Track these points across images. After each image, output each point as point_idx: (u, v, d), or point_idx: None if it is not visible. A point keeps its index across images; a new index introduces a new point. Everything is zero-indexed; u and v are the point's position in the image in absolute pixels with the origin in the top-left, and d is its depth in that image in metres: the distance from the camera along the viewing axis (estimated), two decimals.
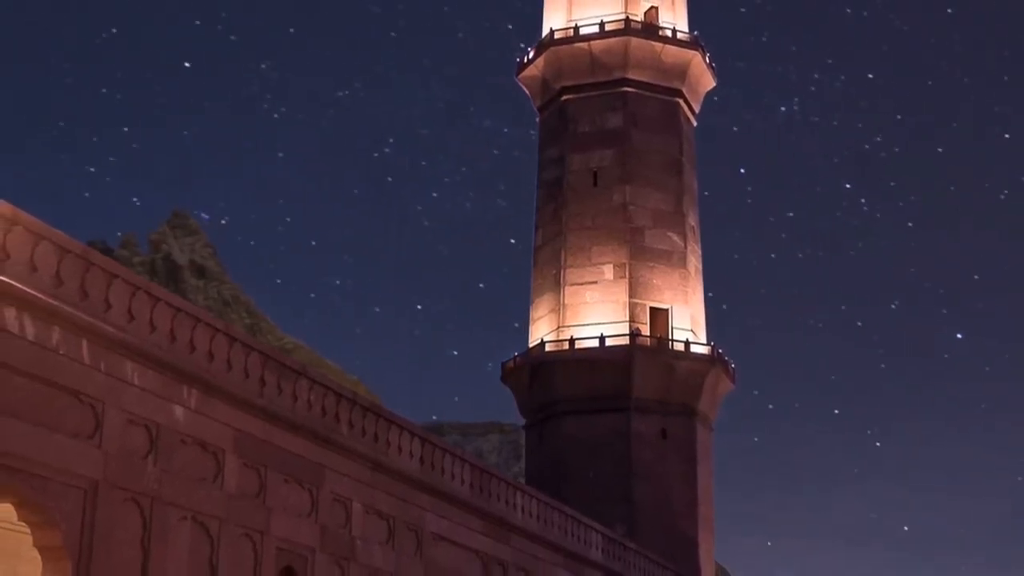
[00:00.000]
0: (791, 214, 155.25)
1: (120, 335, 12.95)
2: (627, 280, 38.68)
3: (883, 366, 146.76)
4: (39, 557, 12.54)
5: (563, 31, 41.02)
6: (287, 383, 16.01)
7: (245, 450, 15.13)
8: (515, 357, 39.79)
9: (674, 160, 40.51)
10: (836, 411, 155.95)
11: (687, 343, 38.12)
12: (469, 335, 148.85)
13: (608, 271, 38.95)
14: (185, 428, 14.10)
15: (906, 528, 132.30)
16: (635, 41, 40.08)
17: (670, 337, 38.13)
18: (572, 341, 38.11)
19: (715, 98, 44.91)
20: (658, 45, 40.33)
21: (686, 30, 42.02)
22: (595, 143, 40.26)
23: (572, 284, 39.21)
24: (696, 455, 38.05)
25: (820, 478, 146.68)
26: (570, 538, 24.75)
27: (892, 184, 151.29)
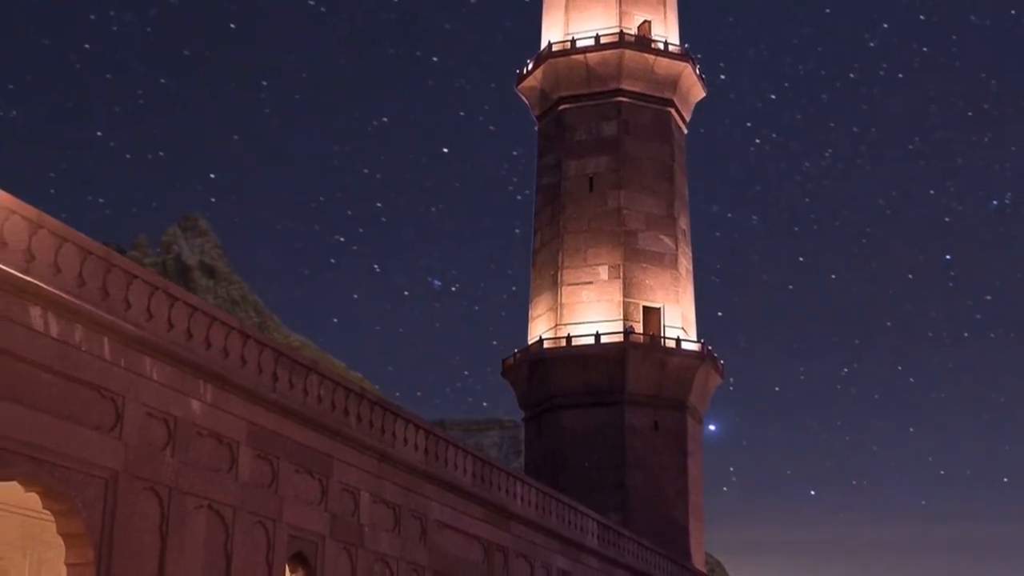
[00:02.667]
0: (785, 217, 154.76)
1: (139, 332, 12.94)
2: (621, 280, 38.70)
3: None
4: (63, 543, 12.54)
5: (560, 44, 41.05)
6: (298, 378, 16.01)
7: (258, 442, 15.12)
8: (515, 354, 39.83)
9: (666, 166, 40.53)
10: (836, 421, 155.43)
11: (678, 340, 38.14)
12: (470, 335, 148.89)
13: (603, 272, 38.97)
14: (201, 421, 14.09)
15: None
16: (629, 53, 40.12)
17: (662, 335, 38.16)
18: (569, 338, 38.14)
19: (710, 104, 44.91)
20: (651, 57, 40.37)
21: (677, 43, 42.04)
22: (591, 150, 40.29)
23: (569, 284, 39.23)
24: (687, 446, 38.08)
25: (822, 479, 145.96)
26: (567, 525, 24.75)
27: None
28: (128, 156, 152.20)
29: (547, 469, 37.20)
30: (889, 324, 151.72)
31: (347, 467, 17.06)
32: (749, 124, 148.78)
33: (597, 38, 40.44)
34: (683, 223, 40.76)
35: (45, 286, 11.66)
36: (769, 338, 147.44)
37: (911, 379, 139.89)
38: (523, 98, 42.78)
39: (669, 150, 40.71)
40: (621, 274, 38.73)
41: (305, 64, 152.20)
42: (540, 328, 39.55)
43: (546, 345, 38.43)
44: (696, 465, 38.84)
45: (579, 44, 40.58)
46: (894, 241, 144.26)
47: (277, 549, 15.31)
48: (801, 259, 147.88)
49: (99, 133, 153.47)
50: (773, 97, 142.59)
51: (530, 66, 41.84)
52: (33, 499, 12.40)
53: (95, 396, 12.51)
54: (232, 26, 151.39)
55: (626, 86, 40.27)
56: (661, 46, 40.83)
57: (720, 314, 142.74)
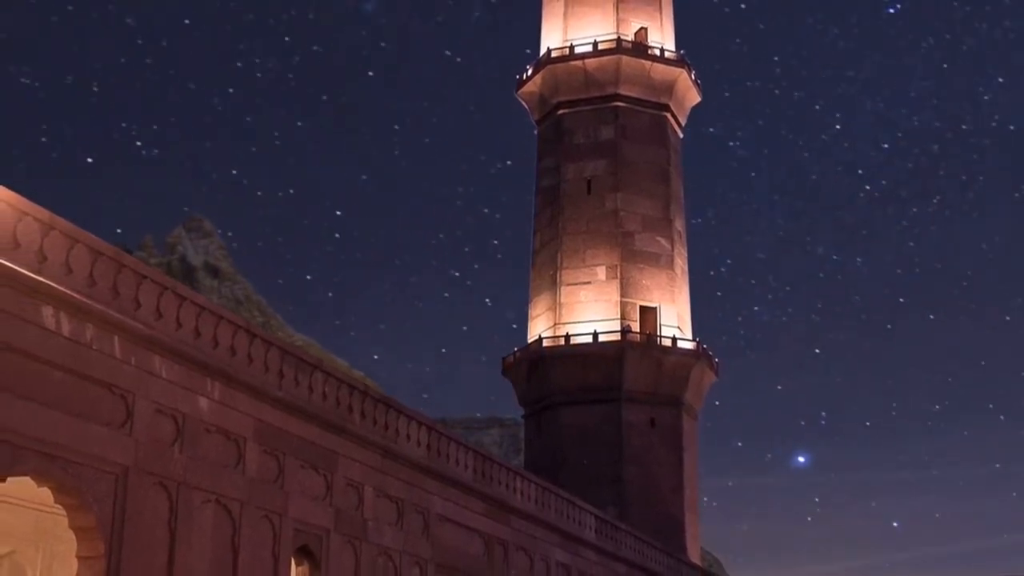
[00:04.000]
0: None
1: (149, 331, 12.95)
2: (618, 281, 38.71)
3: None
4: (74, 537, 12.55)
5: (559, 50, 41.07)
6: (303, 376, 16.01)
7: (264, 438, 15.13)
8: (515, 352, 39.87)
9: (662, 169, 40.55)
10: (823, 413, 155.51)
11: (674, 339, 38.16)
12: (471, 334, 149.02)
13: (601, 272, 38.99)
14: (209, 418, 14.10)
15: (895, 524, 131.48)
16: (626, 59, 40.14)
17: (658, 334, 38.18)
18: (567, 337, 38.15)
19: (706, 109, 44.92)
20: (647, 63, 40.39)
21: (673, 49, 42.07)
22: (589, 153, 40.31)
23: (567, 284, 39.24)
24: (682, 443, 38.10)
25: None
26: (565, 519, 24.76)
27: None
28: (259, 193, 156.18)
29: (546, 465, 37.20)
30: (983, 364, 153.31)
31: (351, 463, 17.07)
32: (860, 171, 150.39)
33: (595, 44, 40.46)
34: (679, 225, 40.79)
35: (57, 286, 11.67)
36: (866, 374, 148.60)
37: (1001, 417, 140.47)
38: (523, 103, 42.81)
39: (665, 153, 40.73)
40: (618, 274, 38.75)
41: (435, 110, 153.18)
42: (539, 327, 39.56)
43: (545, 344, 38.45)
44: (691, 461, 38.87)
45: (577, 50, 40.60)
46: (993, 285, 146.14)
47: (283, 542, 15.31)
48: (901, 300, 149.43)
49: (234, 171, 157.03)
50: (885, 146, 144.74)
51: (529, 72, 41.87)
52: (45, 494, 12.40)
53: (106, 393, 12.52)
54: (370, 74, 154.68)
55: (623, 91, 40.29)
56: (657, 52, 40.87)
57: (817, 351, 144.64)
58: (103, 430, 12.40)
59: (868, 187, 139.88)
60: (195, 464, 13.74)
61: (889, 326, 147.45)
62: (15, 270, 11.15)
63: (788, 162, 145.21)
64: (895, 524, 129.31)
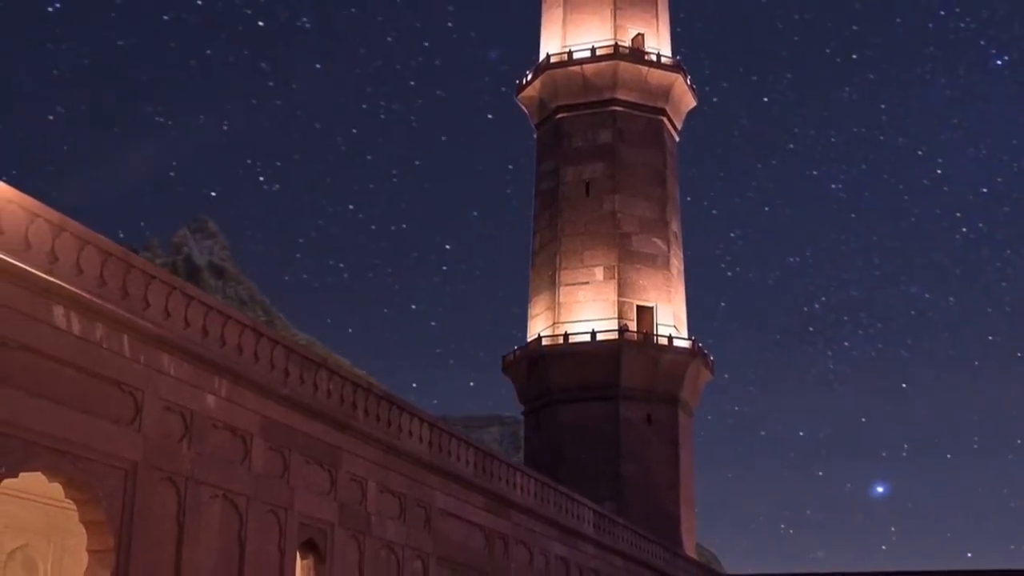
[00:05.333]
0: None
1: (157, 330, 12.94)
2: (616, 281, 38.70)
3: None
4: (84, 531, 12.54)
5: (558, 56, 41.07)
6: (308, 374, 16.01)
7: (270, 434, 15.12)
8: (515, 351, 39.88)
9: (658, 172, 40.54)
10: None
11: (670, 338, 38.16)
12: (471, 334, 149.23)
13: (599, 272, 38.98)
14: (216, 414, 14.09)
15: (968, 555, 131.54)
16: (623, 65, 40.14)
17: (655, 332, 38.18)
18: (566, 336, 38.16)
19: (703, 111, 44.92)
20: (644, 68, 40.39)
21: (669, 55, 42.06)
22: (587, 157, 40.30)
23: (566, 284, 39.24)
24: (678, 439, 38.10)
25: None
26: (564, 514, 24.75)
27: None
28: (373, 227, 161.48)
29: (545, 460, 37.20)
30: None
31: (355, 458, 17.06)
32: (958, 214, 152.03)
33: (593, 50, 40.46)
34: (675, 226, 40.79)
35: (68, 286, 11.66)
36: (950, 409, 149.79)
37: None
38: (523, 107, 42.81)
39: (662, 157, 40.72)
40: (616, 275, 38.74)
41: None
42: (539, 326, 39.56)
43: (544, 343, 38.45)
44: (687, 457, 38.88)
45: (576, 56, 40.61)
46: None
47: (288, 536, 15.31)
48: (990, 338, 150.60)
49: (351, 206, 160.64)
50: (985, 191, 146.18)
51: (529, 77, 41.87)
52: (56, 489, 12.40)
53: (115, 391, 12.52)
54: (489, 116, 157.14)
55: (620, 96, 40.29)
56: (654, 58, 40.87)
57: (904, 385, 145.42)
58: (113, 427, 12.40)
59: (964, 229, 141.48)
60: (203, 460, 13.74)
61: (976, 363, 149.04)
62: (27, 270, 11.15)
63: (888, 204, 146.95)
64: (968, 555, 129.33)
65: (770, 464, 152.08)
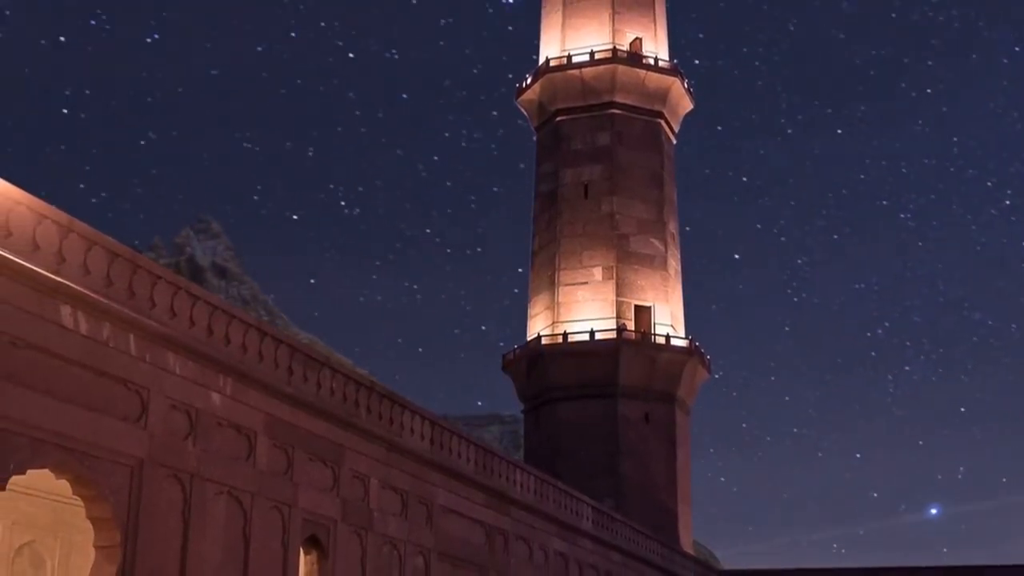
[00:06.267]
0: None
1: (163, 329, 12.94)
2: (614, 281, 38.69)
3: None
4: (91, 527, 12.53)
5: (557, 60, 41.06)
6: (312, 372, 16.00)
7: (274, 432, 15.12)
8: (515, 349, 39.88)
9: (656, 174, 40.53)
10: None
11: (667, 337, 38.15)
12: (471, 334, 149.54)
13: (597, 273, 38.98)
14: (221, 412, 14.09)
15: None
16: (621, 69, 40.12)
17: (652, 332, 38.18)
18: (565, 335, 38.15)
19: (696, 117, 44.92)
20: (642, 72, 40.38)
21: (667, 59, 42.05)
22: (586, 159, 40.29)
23: (565, 284, 39.24)
24: (675, 436, 38.10)
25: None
26: (563, 510, 24.75)
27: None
28: (449, 250, 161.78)
29: (545, 457, 37.20)
30: None
31: (358, 456, 17.05)
32: None
33: (592, 54, 40.46)
34: (672, 227, 40.78)
35: (75, 286, 11.66)
36: (1007, 433, 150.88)
37: None
38: (522, 110, 42.79)
39: (659, 159, 40.72)
40: (614, 275, 38.74)
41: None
42: (538, 326, 39.56)
43: (544, 341, 38.45)
44: (684, 454, 38.86)
45: (575, 60, 40.60)
46: None
47: (292, 532, 15.30)
48: None
49: (427, 230, 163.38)
50: None
51: (529, 80, 41.86)
52: (64, 486, 12.39)
53: (122, 389, 12.51)
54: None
55: (619, 99, 40.28)
56: (652, 62, 40.86)
57: (963, 409, 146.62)
58: (119, 424, 12.39)
59: None
60: (208, 457, 13.73)
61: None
62: (35, 271, 11.15)
63: (955, 233, 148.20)
64: None
65: (826, 484, 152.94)
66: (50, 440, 11.47)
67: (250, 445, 14.64)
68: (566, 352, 37.91)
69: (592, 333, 37.63)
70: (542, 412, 38.69)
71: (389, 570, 17.80)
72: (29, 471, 11.49)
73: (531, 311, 40.55)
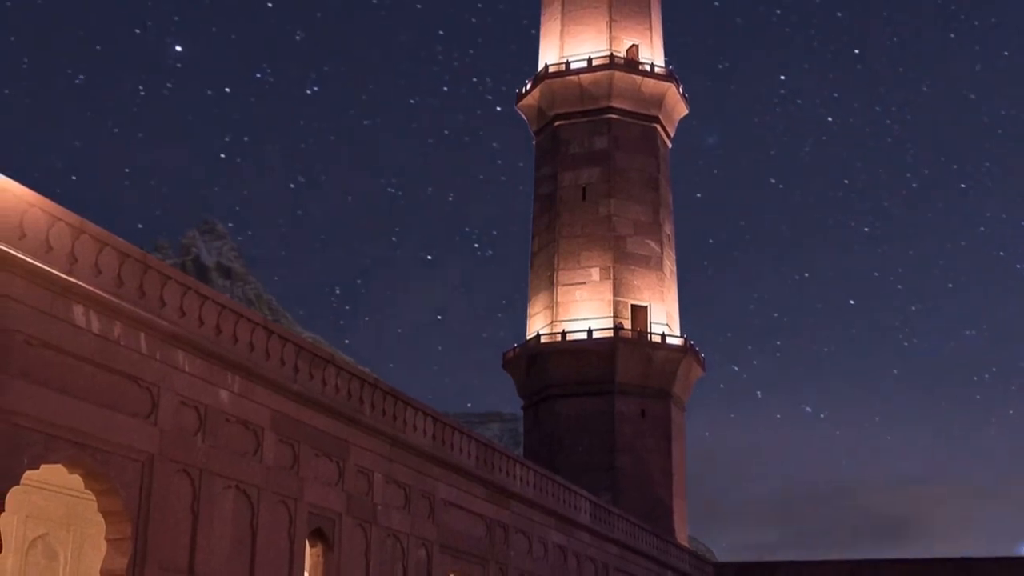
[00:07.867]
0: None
1: (173, 328, 12.95)
2: (611, 281, 38.70)
3: None
4: (103, 520, 12.55)
5: (556, 66, 41.06)
6: (317, 370, 16.01)
7: (281, 428, 15.13)
8: (514, 348, 39.88)
9: (652, 177, 40.54)
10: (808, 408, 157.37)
11: (663, 336, 38.16)
12: (471, 334, 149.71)
13: (595, 273, 38.98)
14: (229, 409, 14.10)
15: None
16: (618, 75, 40.13)
17: (649, 331, 38.19)
18: (564, 334, 38.16)
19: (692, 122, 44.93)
20: (638, 78, 40.39)
21: (663, 65, 42.06)
22: (583, 162, 40.30)
23: (564, 284, 39.24)
24: (671, 432, 38.09)
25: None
26: (562, 504, 24.76)
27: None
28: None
29: (544, 452, 37.21)
30: None
31: (362, 451, 17.07)
32: None
33: (589, 61, 40.46)
34: (667, 229, 40.79)
35: (87, 286, 11.67)
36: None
37: None
38: (522, 115, 42.80)
39: (655, 162, 40.72)
40: (611, 275, 38.75)
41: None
42: (537, 325, 39.57)
43: (543, 340, 38.47)
44: (679, 449, 38.87)
45: (573, 66, 40.61)
46: None
47: (298, 525, 15.32)
48: None
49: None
50: None
51: (528, 86, 41.87)
52: (76, 480, 12.41)
53: (133, 386, 12.53)
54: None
55: (616, 104, 40.30)
56: (648, 68, 40.86)
57: (992, 420, 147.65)
58: (130, 420, 12.40)
59: None
60: (216, 452, 13.74)
61: None
62: (48, 271, 11.16)
63: (987, 257, 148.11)
64: None
65: (927, 517, 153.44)
66: (63, 436, 11.49)
67: (257, 441, 14.65)
68: (565, 350, 37.92)
69: (590, 332, 37.64)
70: (541, 409, 38.70)
71: (392, 563, 17.81)
72: (43, 466, 11.50)
73: (530, 311, 40.56)
